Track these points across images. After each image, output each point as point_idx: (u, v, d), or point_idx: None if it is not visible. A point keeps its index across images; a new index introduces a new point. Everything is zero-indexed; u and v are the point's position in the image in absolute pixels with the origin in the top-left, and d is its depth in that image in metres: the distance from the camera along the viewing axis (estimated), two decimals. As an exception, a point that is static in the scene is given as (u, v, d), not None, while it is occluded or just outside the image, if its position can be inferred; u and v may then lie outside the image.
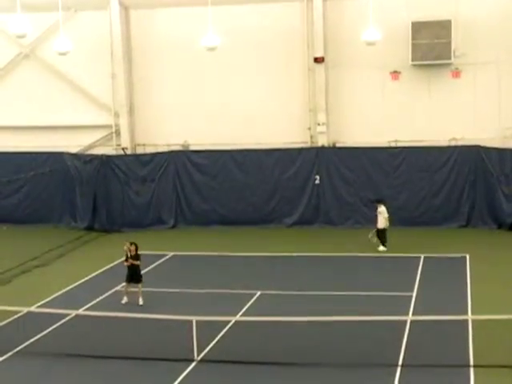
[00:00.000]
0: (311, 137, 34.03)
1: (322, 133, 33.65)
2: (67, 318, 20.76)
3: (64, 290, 24.43)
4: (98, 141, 35.81)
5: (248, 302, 22.47)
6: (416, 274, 25.28)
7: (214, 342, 18.90)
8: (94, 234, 33.36)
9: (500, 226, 32.01)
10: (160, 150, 34.81)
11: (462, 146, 32.50)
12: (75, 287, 24.92)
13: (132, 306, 22.20)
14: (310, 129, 34.01)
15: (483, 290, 23.14)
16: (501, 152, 31.92)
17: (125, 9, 34.88)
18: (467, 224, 32.50)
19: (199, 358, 17.95)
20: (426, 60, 32.31)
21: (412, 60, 32.39)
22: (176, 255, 29.13)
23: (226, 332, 19.53)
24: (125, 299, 22.51)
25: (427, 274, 25.21)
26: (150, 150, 35.22)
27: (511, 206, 31.75)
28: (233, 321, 19.93)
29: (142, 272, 25.05)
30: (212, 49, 30.28)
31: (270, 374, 17.09)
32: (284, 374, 17.09)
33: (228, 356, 17.98)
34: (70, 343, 19.19)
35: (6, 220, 34.96)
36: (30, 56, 35.91)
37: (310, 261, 27.89)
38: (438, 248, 28.80)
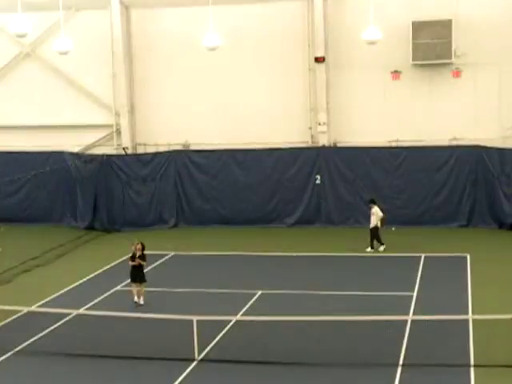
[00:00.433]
0: (312, 136, 34.03)
1: (322, 132, 33.65)
2: (68, 318, 20.77)
3: (64, 290, 24.43)
4: (98, 140, 35.82)
5: (248, 301, 22.46)
6: (416, 273, 25.28)
7: (214, 342, 18.90)
8: (94, 234, 33.36)
9: (500, 225, 31.99)
10: (161, 149, 34.82)
11: (463, 145, 32.49)
12: (76, 287, 24.92)
13: (133, 305, 22.19)
14: (310, 128, 34.01)
15: (484, 289, 23.13)
16: (501, 152, 31.91)
17: (125, 8, 34.88)
18: (468, 224, 32.49)
19: (200, 357, 17.96)
20: (426, 60, 32.30)
21: (413, 60, 32.38)
22: (176, 255, 29.13)
23: (226, 332, 19.53)
24: (136, 298, 22.42)
25: (428, 274, 25.20)
26: (150, 149, 35.22)
27: (511, 206, 31.80)
28: (233, 320, 19.95)
29: (144, 271, 25.15)
30: (213, 49, 30.30)
31: (271, 374, 17.09)
32: (284, 374, 17.08)
33: (228, 356, 17.99)
34: (70, 343, 19.19)
35: (6, 219, 34.92)
36: (31, 55, 35.93)
37: (311, 260, 27.88)
38: (438, 248, 28.80)
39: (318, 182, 33.49)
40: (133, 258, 22.68)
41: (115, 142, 35.62)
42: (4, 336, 19.91)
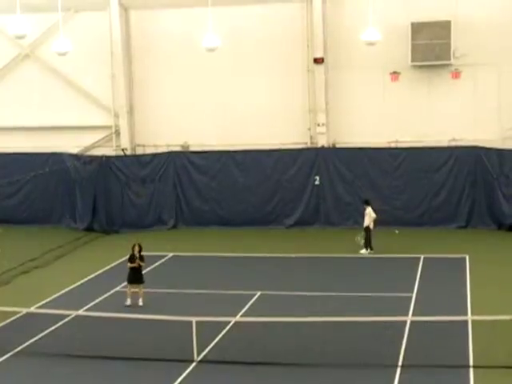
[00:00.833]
0: (311, 137, 34.04)
1: (321, 133, 33.67)
2: (67, 319, 20.74)
3: (64, 291, 24.42)
4: (97, 141, 35.82)
5: (248, 302, 22.47)
6: (416, 274, 25.28)
7: (213, 343, 18.90)
8: (93, 235, 33.34)
9: (500, 226, 32.02)
10: (160, 150, 34.82)
11: (462, 146, 32.51)
12: (75, 288, 24.91)
13: (132, 306, 22.19)
14: (309, 129, 34.02)
15: (483, 290, 23.14)
16: (500, 153, 31.93)
17: (124, 9, 34.88)
18: (467, 225, 32.50)
19: (199, 358, 17.95)
20: (425, 61, 32.32)
21: (412, 61, 32.40)
22: (176, 256, 29.13)
23: (225, 333, 19.52)
24: (128, 301, 22.39)
25: (427, 275, 25.21)
26: (149, 150, 35.23)
27: (511, 207, 31.75)
28: (232, 321, 19.93)
29: (143, 272, 25.10)
30: (212, 50, 30.30)
31: (270, 375, 17.08)
32: (284, 375, 17.08)
33: (228, 357, 17.98)
34: (69, 344, 19.18)
35: (5, 221, 34.92)
36: (30, 57, 35.93)
37: (310, 261, 27.89)
38: (437, 249, 28.80)
39: (317, 182, 33.49)
40: (131, 259, 22.64)
41: (114, 143, 35.62)
42: (3, 337, 19.90)
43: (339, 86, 33.62)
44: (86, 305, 22.57)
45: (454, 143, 32.84)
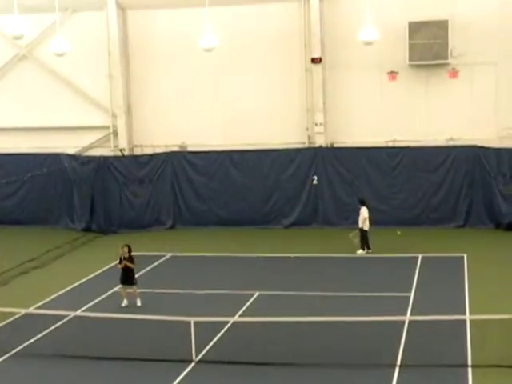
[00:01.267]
0: (309, 137, 34.04)
1: (319, 133, 33.67)
2: (65, 320, 20.73)
3: (62, 292, 24.42)
4: (95, 142, 35.81)
5: (246, 302, 22.47)
6: (414, 274, 25.29)
7: (212, 343, 18.90)
8: (91, 235, 33.34)
9: (497, 225, 32.02)
10: (158, 150, 34.82)
11: (460, 145, 32.52)
12: (73, 288, 24.91)
13: (130, 307, 22.20)
14: (307, 129, 34.02)
15: (481, 289, 23.14)
16: (498, 152, 31.94)
17: (122, 9, 34.87)
18: (465, 224, 32.51)
19: (197, 358, 17.95)
20: (423, 60, 32.32)
21: (409, 60, 32.41)
22: (174, 256, 29.13)
23: (224, 333, 19.53)
24: (125, 302, 22.39)
25: (425, 274, 25.22)
26: (147, 151, 35.22)
27: (508, 206, 31.77)
28: (231, 321, 19.92)
29: (141, 273, 25.18)
30: (209, 49, 30.32)
31: (269, 375, 17.09)
32: (282, 375, 17.09)
33: (226, 357, 17.99)
34: (68, 344, 19.18)
35: (3, 221, 34.98)
36: (28, 57, 35.91)
37: (308, 261, 27.89)
38: (435, 248, 28.82)
39: (315, 182, 33.49)
40: (120, 260, 22.63)
41: (112, 143, 35.61)
42: (1, 338, 19.89)
43: (337, 85, 33.63)
44: (85, 305, 22.58)
45: (451, 142, 32.85)
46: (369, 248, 28.58)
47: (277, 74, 34.00)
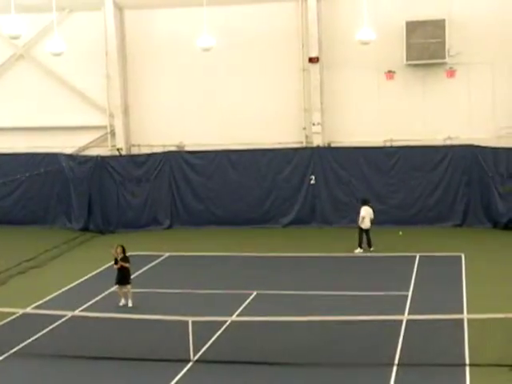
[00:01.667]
0: (306, 137, 34.05)
1: (317, 133, 33.68)
2: (63, 319, 20.72)
3: (60, 291, 24.41)
4: (92, 142, 35.80)
5: (244, 302, 22.47)
6: (411, 273, 25.30)
7: (210, 343, 18.89)
8: (89, 235, 33.33)
9: (495, 225, 32.05)
10: (155, 150, 34.81)
11: (457, 145, 32.54)
12: (71, 288, 24.90)
13: (125, 306, 22.19)
14: (305, 129, 34.03)
15: (478, 289, 23.17)
16: (495, 151, 31.96)
17: (119, 9, 34.86)
18: (462, 223, 32.55)
19: (195, 358, 17.94)
20: (420, 59, 32.35)
21: (406, 59, 32.43)
22: (172, 256, 29.13)
23: (222, 332, 19.52)
24: (122, 301, 22.39)
25: (423, 274, 25.24)
26: (144, 150, 35.21)
27: (506, 206, 31.81)
28: (229, 321, 19.93)
29: (138, 273, 25.20)
30: (207, 49, 30.33)
31: (267, 374, 17.08)
32: (280, 374, 17.08)
33: (224, 356, 17.98)
34: (65, 344, 19.16)
35: (1, 221, 34.96)
36: (25, 57, 35.89)
37: (306, 261, 27.90)
38: (433, 247, 28.84)
39: (312, 182, 33.51)
40: (116, 262, 22.58)
41: (109, 143, 35.59)
42: (0, 337, 19.93)
43: (334, 85, 33.65)
44: (82, 305, 22.56)
45: (449, 142, 32.87)
46: (370, 246, 28.59)
47: (274, 73, 34.01)
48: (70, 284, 25.25)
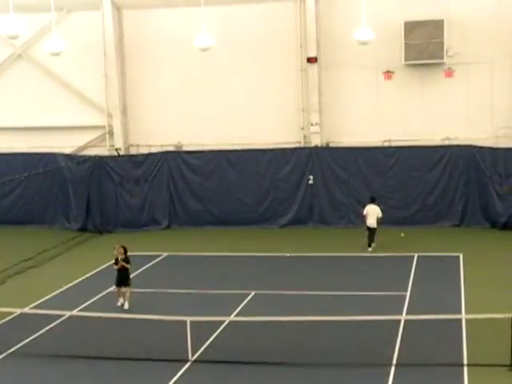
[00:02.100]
0: (305, 137, 34.04)
1: (315, 133, 33.67)
2: (61, 319, 20.72)
3: (58, 291, 24.41)
4: (91, 141, 35.78)
5: (242, 302, 22.46)
6: (410, 273, 25.31)
7: (208, 343, 18.89)
8: (87, 235, 33.33)
9: (493, 225, 32.06)
10: (153, 150, 34.80)
11: (456, 145, 32.55)
12: (69, 288, 24.89)
13: (123, 307, 22.20)
14: (303, 129, 34.02)
15: (477, 289, 23.17)
16: (494, 151, 31.97)
17: (117, 9, 34.85)
18: (460, 223, 32.55)
19: (193, 358, 17.95)
20: (418, 60, 32.33)
21: (405, 60, 32.42)
22: (170, 256, 29.12)
23: (220, 332, 19.52)
24: (120, 301, 22.35)
25: (421, 274, 25.24)
26: (143, 150, 35.20)
27: (504, 206, 31.83)
28: (227, 321, 19.94)
29: (137, 273, 25.20)
30: (205, 49, 30.28)
31: (265, 374, 17.08)
32: (279, 374, 17.08)
33: (222, 356, 17.98)
34: (64, 344, 19.16)
35: (-1, 221, 35.08)
36: (23, 57, 35.87)
37: (304, 261, 27.89)
38: (431, 247, 28.85)
39: (310, 182, 33.51)
40: (116, 261, 22.56)
41: (108, 143, 35.58)
42: (-3, 338, 19.92)
43: (333, 85, 33.63)
44: (80, 305, 22.56)
45: (447, 142, 32.88)
46: (369, 246, 28.77)
47: (272, 73, 34.00)
48: (68, 284, 25.25)
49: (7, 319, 21.02)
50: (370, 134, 33.23)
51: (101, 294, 23.72)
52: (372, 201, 29.38)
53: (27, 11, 32.70)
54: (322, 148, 33.70)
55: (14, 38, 27.17)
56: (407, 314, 20.86)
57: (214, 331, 19.49)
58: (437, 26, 31.90)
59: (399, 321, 19.54)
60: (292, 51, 33.76)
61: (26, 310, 21.55)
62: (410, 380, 16.53)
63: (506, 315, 17.27)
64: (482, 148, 32.05)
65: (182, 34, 33.49)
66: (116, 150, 35.08)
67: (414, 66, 32.67)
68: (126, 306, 22.16)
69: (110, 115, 35.33)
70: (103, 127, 35.62)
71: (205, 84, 34.36)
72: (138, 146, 35.49)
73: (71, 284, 25.31)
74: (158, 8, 34.53)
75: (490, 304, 21.20)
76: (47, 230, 34.28)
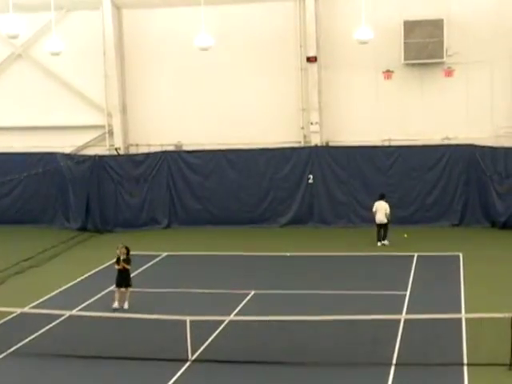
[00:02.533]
0: (304, 136, 34.05)
1: (315, 132, 33.68)
2: (61, 319, 20.70)
3: (58, 291, 24.39)
4: (91, 141, 35.78)
5: (242, 301, 22.46)
6: (409, 272, 25.31)
7: (207, 342, 18.88)
8: (87, 235, 33.33)
9: (493, 224, 32.07)
10: (153, 150, 34.80)
11: (455, 144, 32.56)
12: (69, 288, 24.88)
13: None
14: (303, 128, 34.02)
15: (476, 288, 23.17)
16: (494, 151, 31.98)
17: (117, 9, 34.84)
18: (460, 223, 32.56)
19: (193, 357, 17.93)
20: (418, 59, 32.35)
21: (404, 59, 32.43)
22: (169, 255, 29.12)
23: (219, 332, 19.51)
24: (115, 304, 22.02)
25: (421, 273, 25.24)
26: (143, 150, 35.20)
27: (504, 205, 31.84)
28: (227, 320, 19.92)
29: (136, 272, 25.19)
30: (205, 49, 30.28)
31: (265, 374, 17.07)
32: (278, 374, 17.07)
33: (222, 356, 17.96)
34: (63, 344, 19.14)
35: (-1, 220, 35.08)
36: (23, 56, 35.86)
37: (304, 260, 27.89)
38: (431, 247, 28.85)
39: (310, 181, 33.51)
40: (117, 261, 22.52)
41: (107, 142, 35.58)
42: (-3, 337, 19.90)
43: (332, 84, 33.64)
44: (80, 304, 22.53)
45: (447, 141, 32.88)
46: (384, 239, 29.33)
47: (272, 73, 34.00)
48: (67, 283, 25.23)
49: (7, 319, 20.99)
50: (369, 133, 33.23)
51: (100, 294, 23.69)
52: (381, 197, 29.52)
53: (27, 11, 32.70)
54: (321, 147, 33.71)
55: (14, 37, 27.17)
56: (407, 313, 20.85)
57: (214, 331, 19.48)
58: (436, 26, 31.91)
59: (399, 320, 19.53)
60: (292, 51, 33.76)
61: (26, 309, 21.54)
62: (409, 380, 16.51)
63: (506, 314, 17.26)
64: (481, 147, 32.07)
65: (182, 33, 33.49)
66: (116, 149, 35.07)
67: (414, 65, 32.67)
68: (126, 306, 22.09)
69: (109, 115, 35.33)
70: (103, 127, 35.61)
71: (204, 83, 34.36)
72: (137, 145, 35.49)
73: (71, 283, 25.30)
74: (157, 7, 34.54)
75: (489, 303, 21.19)
76: (47, 230, 34.26)
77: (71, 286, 25.06)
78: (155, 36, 34.66)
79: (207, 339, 18.99)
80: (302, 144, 34.10)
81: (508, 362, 16.76)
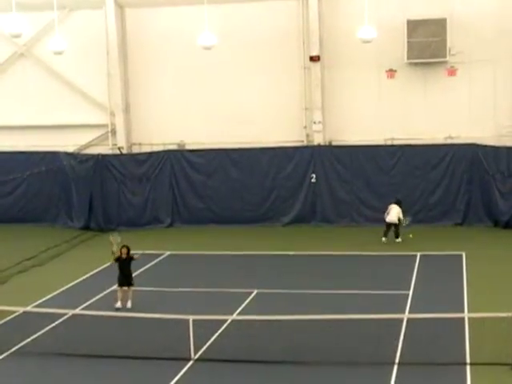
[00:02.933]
0: (307, 135, 34.03)
1: (318, 131, 33.66)
2: (64, 318, 20.73)
3: (60, 290, 24.41)
4: (93, 140, 35.78)
5: (245, 300, 22.46)
6: (412, 272, 25.29)
7: (210, 341, 18.88)
8: (90, 234, 33.34)
9: (496, 223, 32.04)
10: (156, 149, 34.80)
11: (458, 144, 32.53)
12: (72, 287, 24.90)
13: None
14: (306, 127, 34.01)
15: (479, 287, 23.15)
16: (497, 150, 31.95)
17: (120, 8, 34.83)
18: (463, 222, 32.53)
19: (196, 357, 17.94)
20: (421, 58, 32.31)
21: (408, 58, 32.39)
22: (172, 254, 29.12)
23: (222, 331, 19.51)
24: (118, 304, 22.01)
25: (423, 272, 25.23)
26: (145, 149, 35.21)
27: (507, 204, 31.81)
28: (229, 320, 19.92)
29: (139, 271, 25.21)
30: (208, 48, 30.31)
31: (267, 373, 17.08)
32: (281, 373, 17.08)
33: (225, 355, 17.97)
34: (66, 343, 19.14)
35: (1, 219, 34.96)
36: (26, 55, 35.87)
37: (307, 259, 27.88)
38: (434, 246, 28.83)
39: (313, 180, 33.50)
40: (118, 260, 22.46)
41: (110, 141, 35.57)
42: (0, 336, 19.85)
43: (335, 83, 33.62)
44: (83, 304, 22.55)
45: (450, 141, 32.85)
46: (385, 235, 29.48)
47: (275, 72, 33.99)
48: (70, 283, 25.25)
49: (9, 318, 21.00)
50: (372, 132, 33.21)
51: (103, 293, 23.71)
52: (397, 202, 29.73)
53: (30, 10, 32.67)
54: (324, 146, 33.69)
55: (17, 36, 27.17)
56: (410, 312, 20.85)
57: (217, 330, 19.47)
58: (440, 25, 31.87)
59: (402, 320, 19.52)
60: (295, 49, 33.75)
61: (29, 308, 21.56)
62: (412, 379, 16.51)
63: (509, 314, 17.26)
64: (484, 147, 32.03)
65: (185, 32, 33.49)
66: (118, 148, 35.07)
67: (417, 64, 32.64)
68: (129, 305, 22.09)
69: (112, 114, 35.34)
70: (106, 126, 35.61)
71: (207, 82, 34.36)
72: (140, 144, 35.50)
73: (74, 283, 25.32)
74: (160, 6, 34.53)
75: (492, 303, 21.19)
76: (50, 229, 34.27)
77: (74, 285, 25.08)
78: (158, 35, 34.65)
79: (210, 338, 18.99)
80: (305, 143, 34.08)
81: (511, 361, 16.75)
